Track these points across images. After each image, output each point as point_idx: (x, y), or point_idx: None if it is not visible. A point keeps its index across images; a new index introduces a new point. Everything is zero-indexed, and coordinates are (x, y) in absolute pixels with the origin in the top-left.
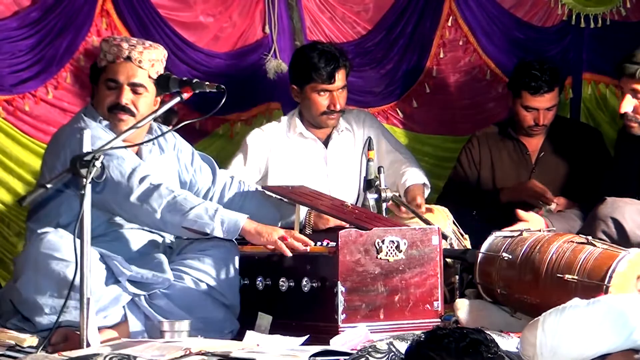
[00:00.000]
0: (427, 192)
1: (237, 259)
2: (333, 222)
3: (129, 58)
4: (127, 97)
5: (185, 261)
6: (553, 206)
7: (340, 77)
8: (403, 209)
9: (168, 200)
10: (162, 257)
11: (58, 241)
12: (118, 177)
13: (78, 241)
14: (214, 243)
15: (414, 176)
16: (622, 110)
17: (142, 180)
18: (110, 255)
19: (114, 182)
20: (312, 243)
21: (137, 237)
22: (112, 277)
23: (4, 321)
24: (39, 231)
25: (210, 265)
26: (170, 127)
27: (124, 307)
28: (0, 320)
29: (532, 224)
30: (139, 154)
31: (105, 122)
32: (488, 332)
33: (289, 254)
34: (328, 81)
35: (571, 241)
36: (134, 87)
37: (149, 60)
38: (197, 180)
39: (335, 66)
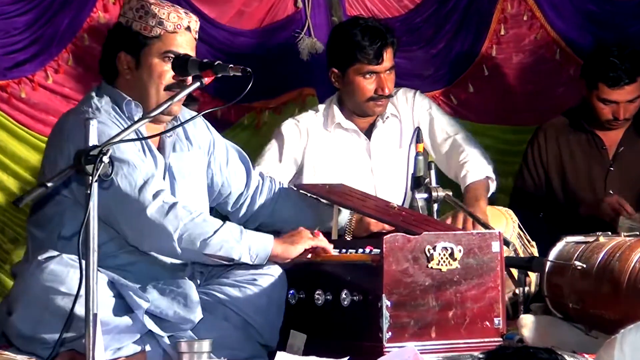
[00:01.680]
0: (492, 186)
1: (284, 294)
2: (377, 226)
3: (188, 28)
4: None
5: (222, 288)
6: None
7: (388, 57)
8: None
9: (185, 223)
10: (189, 286)
11: (62, 271)
12: (127, 188)
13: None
14: (260, 272)
15: (476, 169)
16: None
17: (155, 195)
18: (123, 283)
19: (122, 194)
20: (331, 249)
21: (156, 257)
22: (126, 307)
23: None
24: (39, 258)
25: (252, 299)
26: (195, 115)
27: (141, 337)
28: None
29: None
30: (160, 149)
31: (134, 107)
32: (559, 352)
33: (331, 246)
34: (375, 61)
35: None
36: None
37: (197, 31)
38: (230, 184)
39: (382, 44)
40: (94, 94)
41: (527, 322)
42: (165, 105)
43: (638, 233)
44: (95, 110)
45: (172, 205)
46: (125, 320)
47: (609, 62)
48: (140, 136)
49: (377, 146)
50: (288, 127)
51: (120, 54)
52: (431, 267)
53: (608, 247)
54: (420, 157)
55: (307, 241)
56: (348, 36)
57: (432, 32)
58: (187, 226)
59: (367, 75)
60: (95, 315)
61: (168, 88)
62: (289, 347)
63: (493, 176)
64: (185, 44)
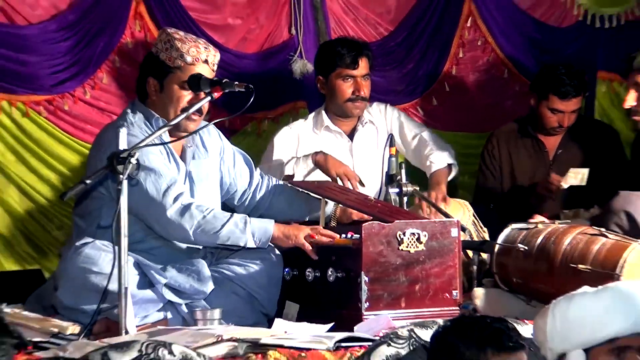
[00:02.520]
0: (454, 171)
1: (281, 271)
2: (357, 215)
3: (206, 61)
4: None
5: (230, 267)
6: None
7: (363, 65)
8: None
9: (199, 220)
10: (202, 265)
11: (95, 254)
12: (153, 193)
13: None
14: (262, 255)
15: (438, 160)
16: (627, 105)
17: (176, 199)
18: (147, 263)
19: (149, 197)
20: (338, 236)
21: (175, 243)
22: (149, 283)
23: (47, 313)
24: (77, 244)
25: (256, 276)
26: (206, 124)
27: (164, 306)
28: (44, 313)
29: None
30: (182, 157)
31: (161, 121)
32: (507, 319)
33: (315, 257)
34: (352, 66)
35: (585, 233)
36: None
37: (216, 63)
38: (236, 184)
39: (358, 52)
40: (129, 110)
41: (479, 294)
42: (183, 116)
43: (569, 221)
44: (130, 124)
45: (188, 206)
46: (149, 293)
47: (560, 78)
48: (166, 148)
49: (358, 147)
50: (281, 135)
51: (149, 78)
52: (401, 249)
53: (545, 233)
54: (393, 159)
55: (307, 233)
56: (331, 48)
57: (403, 55)
58: (200, 223)
59: (346, 79)
60: (126, 289)
61: (184, 110)
62: (285, 315)
63: (454, 161)
64: (203, 72)
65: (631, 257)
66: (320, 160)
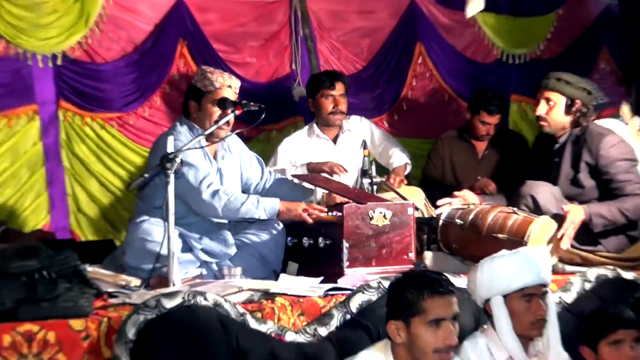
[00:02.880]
0: (408, 168)
1: (285, 239)
2: (340, 199)
3: (230, 86)
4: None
5: (248, 235)
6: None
7: (339, 87)
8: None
9: (224, 202)
10: (228, 234)
11: (150, 228)
12: (193, 182)
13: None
14: (270, 228)
15: (398, 158)
16: (537, 113)
17: (208, 186)
18: (187, 234)
19: (189, 185)
20: (326, 212)
21: (209, 218)
22: (189, 248)
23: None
24: (136, 220)
25: (266, 242)
26: (230, 133)
27: (200, 265)
28: (116, 271)
29: (468, 198)
30: (215, 157)
31: (200, 131)
32: (446, 274)
33: (310, 221)
34: (331, 87)
35: (502, 211)
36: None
37: (237, 88)
38: (252, 178)
39: (334, 77)
40: (177, 123)
41: (428, 256)
42: (215, 127)
43: (491, 202)
44: (177, 133)
45: (217, 191)
46: (189, 256)
47: (488, 99)
48: (203, 150)
49: (340, 149)
50: (284, 144)
51: (190, 101)
52: (372, 224)
53: (475, 211)
54: (366, 158)
55: (304, 207)
56: (316, 77)
57: (373, 83)
58: (226, 203)
59: (327, 97)
60: (173, 253)
61: (216, 122)
62: (288, 271)
63: (409, 162)
64: (227, 95)
65: (535, 229)
66: (313, 165)
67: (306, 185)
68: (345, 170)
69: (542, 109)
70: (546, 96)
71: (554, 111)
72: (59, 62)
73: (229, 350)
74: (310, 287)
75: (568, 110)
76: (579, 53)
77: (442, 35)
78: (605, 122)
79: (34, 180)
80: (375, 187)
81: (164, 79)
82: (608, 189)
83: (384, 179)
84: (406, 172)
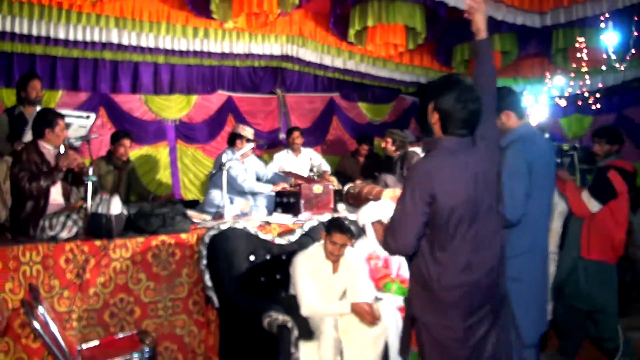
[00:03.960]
0: (330, 170)
1: (274, 200)
2: (300, 182)
3: (247, 132)
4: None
5: (258, 197)
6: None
7: (297, 134)
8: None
9: (249, 185)
10: (250, 197)
11: (217, 192)
12: (235, 176)
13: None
14: (269, 196)
15: (325, 166)
16: (382, 146)
17: (242, 179)
18: (231, 196)
19: (233, 178)
20: (293, 187)
21: (244, 191)
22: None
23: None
24: (209, 191)
25: (268, 200)
26: (250, 152)
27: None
28: (201, 212)
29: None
30: (244, 163)
31: (236, 152)
32: (347, 215)
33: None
34: (291, 135)
35: (372, 186)
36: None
37: (252, 133)
38: (259, 174)
39: (295, 129)
40: (227, 149)
41: (340, 207)
42: (245, 150)
43: (368, 183)
44: (226, 153)
45: (244, 181)
46: (233, 206)
47: (366, 140)
48: (238, 162)
49: (300, 160)
50: (275, 158)
51: (236, 140)
52: (314, 192)
53: (360, 186)
54: (312, 165)
55: (279, 188)
56: (290, 130)
57: (313, 131)
58: (251, 186)
59: (291, 137)
60: (224, 204)
61: (241, 151)
62: (277, 212)
63: (329, 169)
64: (249, 136)
65: (385, 194)
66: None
67: (285, 176)
68: (302, 174)
69: (385, 144)
70: (386, 139)
71: (389, 145)
72: (177, 122)
73: (249, 246)
74: (286, 219)
75: (394, 143)
76: (402, 120)
77: (344, 111)
78: (414, 149)
79: (166, 173)
80: (316, 178)
81: (220, 133)
82: None
83: (321, 173)
84: (329, 173)
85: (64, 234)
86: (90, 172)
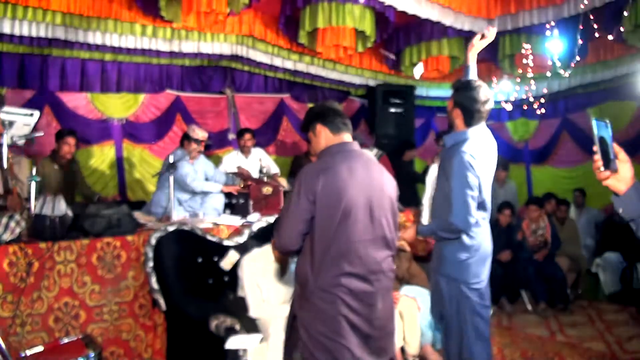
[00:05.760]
0: (279, 172)
1: (224, 200)
2: (250, 182)
3: (198, 133)
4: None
5: (207, 199)
6: None
7: (248, 137)
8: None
9: (196, 187)
10: (199, 197)
11: (162, 194)
12: (184, 176)
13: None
14: (217, 196)
15: (274, 168)
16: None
17: (191, 180)
18: (180, 198)
19: (182, 177)
20: (242, 187)
21: (196, 192)
22: (180, 203)
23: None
24: (157, 191)
25: (217, 200)
26: (198, 154)
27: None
28: (149, 215)
29: None
30: (194, 164)
31: (186, 153)
32: None
33: (235, 192)
34: (242, 135)
35: None
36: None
37: (206, 135)
38: (209, 175)
39: (246, 130)
40: (177, 149)
41: None
42: (195, 151)
43: None
44: (175, 154)
45: (193, 180)
46: (180, 208)
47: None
48: (188, 162)
49: (250, 161)
50: (224, 160)
51: (185, 141)
52: (264, 193)
53: None
54: (262, 166)
55: (231, 188)
56: (241, 132)
57: (264, 132)
58: (200, 186)
59: (242, 139)
60: (172, 206)
61: (192, 150)
62: (226, 214)
63: (278, 170)
64: (200, 137)
65: None
66: (239, 169)
67: (235, 177)
68: (252, 177)
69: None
70: None
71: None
72: (123, 122)
73: (196, 248)
74: (235, 220)
75: None
76: (352, 121)
77: (294, 112)
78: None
79: (112, 173)
80: (265, 179)
81: (167, 133)
82: None
83: (270, 175)
84: (278, 175)
85: (7, 236)
86: (34, 171)
